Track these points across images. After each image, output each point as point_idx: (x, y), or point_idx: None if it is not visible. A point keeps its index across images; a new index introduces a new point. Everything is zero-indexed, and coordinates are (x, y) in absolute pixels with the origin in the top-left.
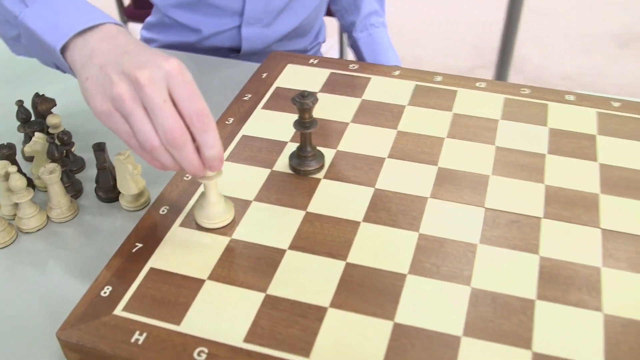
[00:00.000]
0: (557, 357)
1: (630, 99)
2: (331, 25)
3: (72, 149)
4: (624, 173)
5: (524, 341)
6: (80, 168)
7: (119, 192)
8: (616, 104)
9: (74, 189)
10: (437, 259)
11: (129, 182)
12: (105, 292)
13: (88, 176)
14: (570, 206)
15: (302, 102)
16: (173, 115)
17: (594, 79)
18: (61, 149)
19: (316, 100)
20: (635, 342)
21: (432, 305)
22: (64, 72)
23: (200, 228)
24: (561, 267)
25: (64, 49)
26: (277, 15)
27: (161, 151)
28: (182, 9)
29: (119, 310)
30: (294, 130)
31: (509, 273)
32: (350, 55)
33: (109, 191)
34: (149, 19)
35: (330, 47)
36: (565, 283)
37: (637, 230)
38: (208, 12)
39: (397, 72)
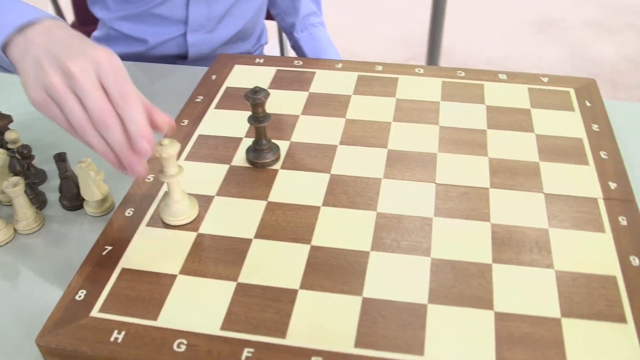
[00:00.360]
0: (517, 314)
1: (557, 74)
2: (270, 28)
3: (33, 162)
4: (558, 141)
5: (486, 302)
6: (42, 180)
7: (83, 200)
8: (545, 79)
9: (38, 201)
10: (397, 234)
11: (93, 188)
12: (79, 296)
13: (50, 187)
14: (514, 175)
15: (254, 97)
16: (101, 98)
17: (516, 63)
18: (22, 163)
19: (268, 94)
20: (585, 293)
21: (396, 278)
22: (9, 71)
23: (167, 226)
24: (512, 232)
25: (5, 47)
26: (219, 20)
27: (91, 132)
28: (126, 20)
29: (95, 312)
30: (247, 126)
31: (464, 241)
32: (291, 54)
33: (73, 199)
34: (95, 33)
35: (271, 49)
36: (517, 246)
37: (575, 192)
38: (153, 22)
39: (339, 65)
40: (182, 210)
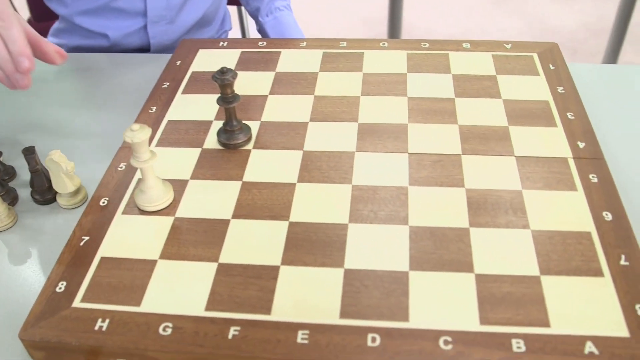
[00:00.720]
0: (497, 275)
1: (519, 40)
2: (231, 13)
3: (0, 159)
4: (526, 105)
5: (466, 265)
6: (11, 176)
7: (56, 193)
8: (508, 46)
9: (9, 197)
10: (374, 205)
11: (65, 180)
12: (60, 288)
13: (20, 183)
14: (485, 140)
15: (222, 78)
16: None
17: (477, 37)
18: None
19: (235, 74)
20: (562, 250)
21: (376, 248)
22: None
23: (143, 213)
24: (487, 196)
25: None
26: (179, 10)
27: None
28: (86, 15)
29: (77, 303)
30: (216, 108)
31: (441, 208)
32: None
33: (45, 193)
34: (55, 25)
35: (233, 35)
36: (492, 209)
37: (545, 153)
38: (112, 16)
39: (304, 44)
40: (157, 195)
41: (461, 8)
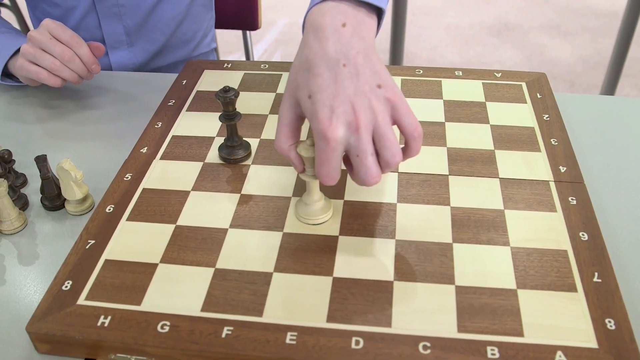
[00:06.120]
0: (476, 287)
1: (508, 69)
2: (236, 39)
3: (13, 166)
4: (512, 130)
5: (447, 278)
6: (23, 183)
7: (64, 200)
8: (498, 75)
9: (20, 202)
10: (363, 219)
11: (74, 188)
12: (66, 286)
13: (31, 190)
14: (471, 162)
15: (225, 96)
16: (59, 44)
17: (477, 67)
18: (4, 166)
19: (237, 93)
20: (538, 266)
21: (364, 259)
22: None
23: (147, 220)
24: (470, 214)
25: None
26: (138, 32)
27: (63, 68)
28: None
29: (81, 300)
30: (219, 125)
31: (426, 224)
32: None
33: (54, 199)
34: None
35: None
36: (475, 226)
37: (528, 176)
38: None
39: None
40: (319, 210)
41: (462, 39)
